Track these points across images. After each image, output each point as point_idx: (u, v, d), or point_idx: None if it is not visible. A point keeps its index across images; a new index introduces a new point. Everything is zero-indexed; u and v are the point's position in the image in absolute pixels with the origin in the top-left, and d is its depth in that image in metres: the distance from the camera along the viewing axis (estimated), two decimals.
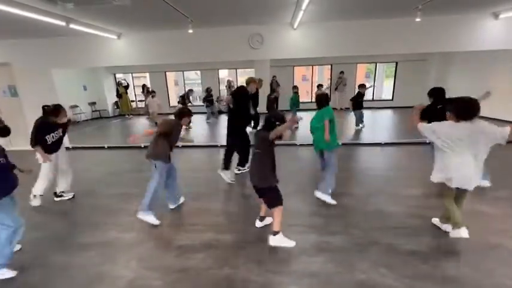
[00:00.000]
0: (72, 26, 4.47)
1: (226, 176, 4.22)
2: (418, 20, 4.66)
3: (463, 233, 2.40)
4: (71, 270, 2.37)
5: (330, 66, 11.64)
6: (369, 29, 5.38)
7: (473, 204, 3.21)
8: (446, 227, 2.64)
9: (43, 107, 3.48)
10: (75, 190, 3.89)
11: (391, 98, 11.75)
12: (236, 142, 4.32)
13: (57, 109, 3.43)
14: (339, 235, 2.69)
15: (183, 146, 6.37)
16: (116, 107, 12.06)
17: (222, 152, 5.82)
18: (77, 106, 10.36)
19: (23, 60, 6.04)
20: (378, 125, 8.77)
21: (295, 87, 8.40)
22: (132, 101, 12.42)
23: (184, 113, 3.31)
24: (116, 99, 11.86)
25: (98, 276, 2.27)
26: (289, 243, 2.54)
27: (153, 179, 3.06)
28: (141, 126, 9.70)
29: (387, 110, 11.09)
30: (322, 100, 3.39)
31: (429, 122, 3.72)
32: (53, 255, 2.58)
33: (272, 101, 8.08)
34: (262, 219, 2.90)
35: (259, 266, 2.31)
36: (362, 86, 7.37)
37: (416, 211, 3.06)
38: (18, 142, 5.30)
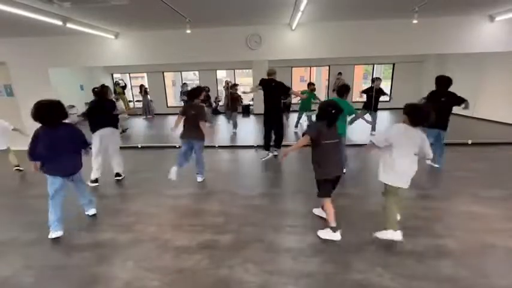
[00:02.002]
0: (69, 25, 4.45)
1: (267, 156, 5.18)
2: (415, 21, 4.69)
3: (397, 235, 2.43)
4: (66, 271, 2.35)
5: (327, 67, 11.68)
6: (366, 31, 5.41)
7: (467, 204, 3.24)
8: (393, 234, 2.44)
9: (93, 89, 4.12)
10: (69, 191, 3.86)
11: (388, 99, 11.81)
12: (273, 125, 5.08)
13: (106, 88, 4.10)
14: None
15: (180, 147, 6.34)
16: None
17: (219, 153, 5.85)
18: (73, 106, 10.28)
19: (19, 60, 5.99)
20: (375, 126, 8.78)
21: (311, 83, 7.27)
22: (130, 101, 12.38)
23: (194, 93, 3.99)
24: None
25: (94, 278, 2.25)
26: (335, 237, 2.64)
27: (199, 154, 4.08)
28: (138, 126, 9.67)
29: (385, 111, 11.14)
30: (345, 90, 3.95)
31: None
32: (49, 256, 2.56)
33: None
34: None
35: (256, 266, 2.31)
36: (377, 79, 6.48)
37: (413, 212, 3.08)
38: (15, 142, 5.23)
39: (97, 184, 4.13)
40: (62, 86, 8.75)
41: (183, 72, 12.71)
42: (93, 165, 4.09)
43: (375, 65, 12.05)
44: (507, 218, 2.92)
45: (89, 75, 11.24)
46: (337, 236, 2.63)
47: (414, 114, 2.41)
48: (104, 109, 4.00)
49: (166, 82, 12.41)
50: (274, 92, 4.88)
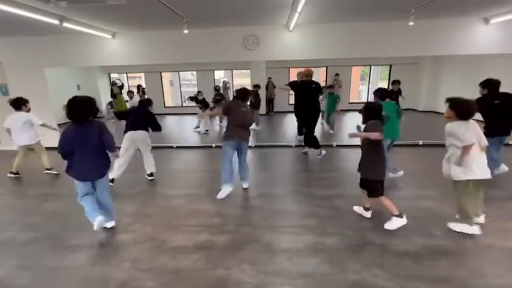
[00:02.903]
0: (65, 24, 4.42)
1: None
2: (411, 23, 4.72)
3: (474, 230, 2.62)
4: (62, 272, 2.33)
5: (325, 68, 11.72)
6: (363, 32, 5.44)
7: None
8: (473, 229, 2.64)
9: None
10: (67, 191, 3.83)
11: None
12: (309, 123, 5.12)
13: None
14: (333, 236, 2.70)
15: (178, 147, 6.33)
16: (110, 107, 11.94)
17: (216, 153, 5.82)
18: None
19: (15, 59, 5.95)
20: None
21: (330, 86, 7.64)
22: (127, 101, 12.32)
23: (244, 93, 3.68)
24: (110, 99, 11.74)
25: (90, 278, 2.23)
26: (403, 222, 2.75)
27: (245, 156, 3.74)
28: None
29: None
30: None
31: (486, 116, 3.80)
32: (44, 257, 2.54)
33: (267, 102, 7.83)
34: (366, 209, 3.04)
35: (253, 266, 2.30)
36: (395, 83, 6.72)
37: (410, 212, 3.09)
38: (9, 142, 5.21)
39: (111, 184, 4.00)
40: (58, 86, 8.70)
41: (180, 73, 12.69)
42: (115, 164, 4.01)
43: (372, 67, 12.11)
44: (505, 218, 2.94)
45: (86, 75, 11.20)
46: (403, 221, 2.75)
47: (459, 109, 2.52)
48: (135, 111, 4.22)
49: (164, 82, 12.38)
50: (314, 93, 4.96)
